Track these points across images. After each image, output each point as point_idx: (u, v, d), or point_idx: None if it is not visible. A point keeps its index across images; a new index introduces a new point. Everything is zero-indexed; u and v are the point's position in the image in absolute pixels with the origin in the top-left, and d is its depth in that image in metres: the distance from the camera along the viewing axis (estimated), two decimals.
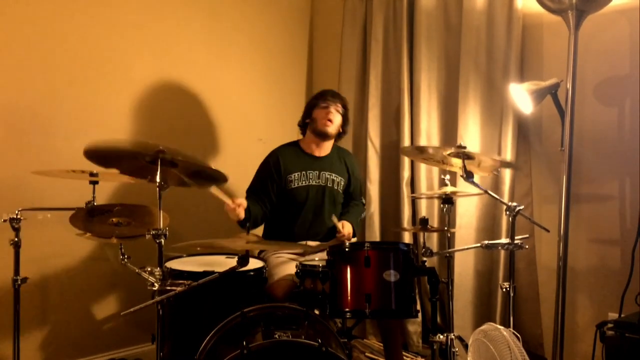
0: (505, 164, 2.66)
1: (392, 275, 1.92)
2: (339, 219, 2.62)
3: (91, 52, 2.70)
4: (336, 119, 2.65)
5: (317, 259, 2.37)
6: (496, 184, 2.76)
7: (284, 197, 2.67)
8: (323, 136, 2.66)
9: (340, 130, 2.73)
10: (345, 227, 2.56)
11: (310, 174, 2.67)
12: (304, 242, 2.64)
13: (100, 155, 1.81)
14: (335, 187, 2.71)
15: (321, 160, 2.72)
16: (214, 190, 2.18)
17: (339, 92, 2.79)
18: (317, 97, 2.73)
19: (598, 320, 2.23)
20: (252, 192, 2.66)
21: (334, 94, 2.72)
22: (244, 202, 2.44)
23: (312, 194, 2.66)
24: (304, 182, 2.66)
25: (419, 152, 2.54)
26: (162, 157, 1.74)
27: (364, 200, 2.94)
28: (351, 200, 2.82)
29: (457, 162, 2.15)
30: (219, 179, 1.95)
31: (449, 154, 2.12)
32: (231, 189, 2.65)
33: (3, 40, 2.45)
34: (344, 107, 2.71)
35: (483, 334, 1.90)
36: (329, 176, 2.69)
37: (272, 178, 2.65)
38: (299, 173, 2.66)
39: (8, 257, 2.14)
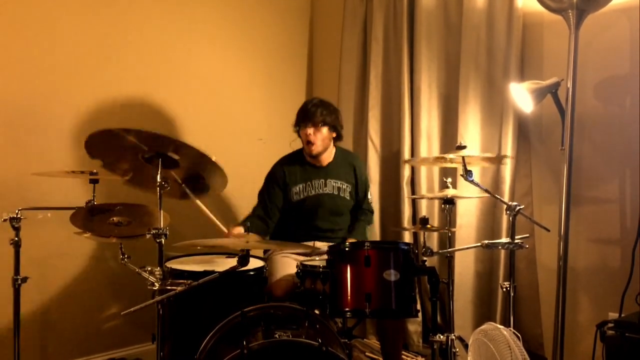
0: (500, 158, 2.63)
1: (392, 275, 1.92)
2: (349, 233, 2.66)
3: (91, 51, 2.70)
4: (318, 137, 2.59)
5: (317, 258, 2.37)
6: (496, 184, 2.76)
7: (289, 209, 2.67)
8: (311, 157, 2.67)
9: (334, 135, 2.68)
10: None
11: (315, 182, 2.66)
12: (311, 243, 2.63)
13: (103, 142, 1.78)
14: (342, 195, 2.68)
15: (326, 168, 2.70)
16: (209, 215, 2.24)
17: (319, 102, 2.64)
18: (297, 116, 2.65)
19: (598, 320, 2.22)
20: (261, 200, 2.67)
21: (307, 113, 2.59)
22: (241, 230, 2.40)
23: (317, 203, 2.64)
24: (309, 192, 2.65)
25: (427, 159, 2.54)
26: (162, 153, 1.74)
27: (372, 206, 2.84)
28: (359, 207, 2.76)
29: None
30: (215, 184, 1.94)
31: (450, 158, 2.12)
32: (231, 189, 2.64)
33: (3, 41, 2.45)
34: (324, 121, 2.59)
35: (483, 334, 1.90)
36: (334, 183, 2.68)
37: (279, 187, 2.66)
38: (303, 184, 2.65)
39: (8, 257, 2.14)
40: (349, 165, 2.74)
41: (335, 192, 2.67)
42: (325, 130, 2.61)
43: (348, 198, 2.70)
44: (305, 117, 2.60)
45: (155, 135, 1.74)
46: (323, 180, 2.66)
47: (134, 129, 1.72)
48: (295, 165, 2.69)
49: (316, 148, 2.60)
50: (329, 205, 2.66)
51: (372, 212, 2.85)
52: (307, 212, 2.64)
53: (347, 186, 2.69)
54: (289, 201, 2.65)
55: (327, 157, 2.70)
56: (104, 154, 1.87)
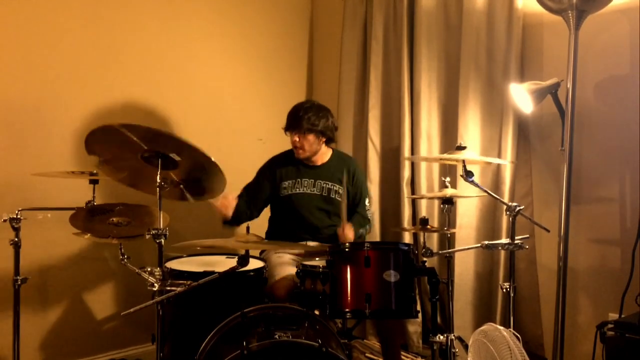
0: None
1: (392, 276, 1.92)
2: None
3: (91, 51, 2.70)
4: (305, 143, 2.59)
5: (317, 259, 2.37)
6: (496, 184, 2.75)
7: (278, 203, 2.69)
8: (302, 160, 2.67)
9: (324, 140, 2.66)
10: (346, 232, 2.51)
11: (305, 181, 2.67)
12: (303, 242, 2.64)
13: (104, 138, 1.75)
14: (333, 196, 2.68)
15: (318, 168, 2.70)
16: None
17: (309, 106, 2.62)
18: (286, 120, 2.64)
19: (598, 321, 2.22)
20: (247, 190, 2.69)
21: (295, 119, 2.58)
22: (232, 202, 2.50)
23: (306, 202, 2.65)
24: (297, 189, 2.66)
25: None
26: (162, 153, 1.74)
27: (369, 213, 2.78)
28: (353, 212, 2.73)
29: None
30: (215, 188, 1.95)
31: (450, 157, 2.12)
32: (230, 189, 2.64)
33: (3, 40, 2.45)
34: (310, 129, 2.56)
35: (483, 335, 1.90)
36: (324, 185, 2.68)
37: (269, 180, 2.67)
38: (293, 181, 2.67)
39: (8, 257, 2.14)
40: (344, 168, 2.71)
41: (325, 194, 2.67)
42: (311, 137, 2.61)
43: (340, 200, 2.68)
44: (292, 123, 2.61)
45: (158, 133, 1.73)
46: (312, 181, 2.67)
47: (135, 125, 1.68)
48: (288, 161, 2.71)
49: (303, 153, 2.63)
50: (315, 205, 2.66)
51: (368, 219, 2.76)
52: (295, 209, 2.65)
53: (338, 188, 2.68)
54: (278, 196, 2.67)
55: (321, 158, 2.71)
56: (102, 151, 1.83)
